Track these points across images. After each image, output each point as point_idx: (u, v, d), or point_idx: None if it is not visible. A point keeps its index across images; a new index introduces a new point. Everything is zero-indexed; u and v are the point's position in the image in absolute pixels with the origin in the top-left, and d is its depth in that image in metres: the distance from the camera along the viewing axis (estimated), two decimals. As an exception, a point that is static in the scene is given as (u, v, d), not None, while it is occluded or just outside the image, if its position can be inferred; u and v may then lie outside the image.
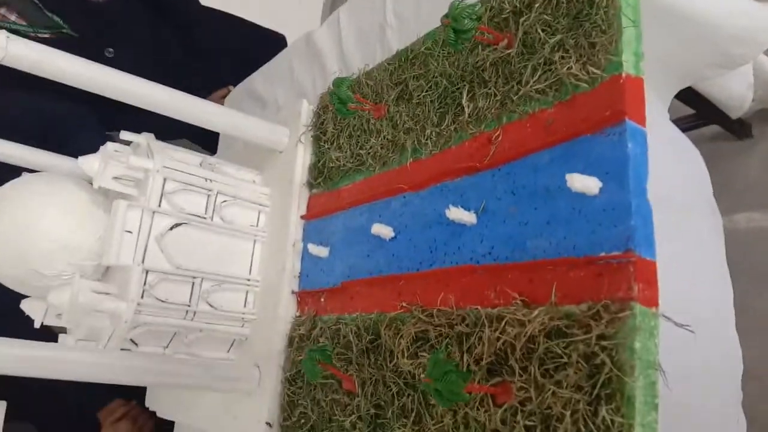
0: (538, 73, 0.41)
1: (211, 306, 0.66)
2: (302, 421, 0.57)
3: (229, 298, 0.68)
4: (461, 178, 0.47)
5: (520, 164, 0.42)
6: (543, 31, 0.42)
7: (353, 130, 0.62)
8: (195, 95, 0.67)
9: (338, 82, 0.62)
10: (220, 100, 1.16)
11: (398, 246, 0.52)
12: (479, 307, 0.41)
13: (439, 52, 0.52)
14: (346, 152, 0.62)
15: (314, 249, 0.62)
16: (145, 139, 0.68)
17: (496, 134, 0.44)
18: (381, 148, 0.57)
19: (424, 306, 0.47)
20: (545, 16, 0.42)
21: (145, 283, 0.62)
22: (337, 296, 0.58)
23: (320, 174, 0.66)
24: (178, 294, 0.64)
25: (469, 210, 0.45)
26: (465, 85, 0.48)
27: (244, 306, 0.69)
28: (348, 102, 0.61)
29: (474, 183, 0.45)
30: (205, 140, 1.10)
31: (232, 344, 0.69)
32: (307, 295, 0.64)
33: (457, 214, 0.44)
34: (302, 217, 0.68)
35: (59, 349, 0.55)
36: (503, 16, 0.46)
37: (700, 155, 0.71)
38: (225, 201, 0.69)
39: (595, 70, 0.37)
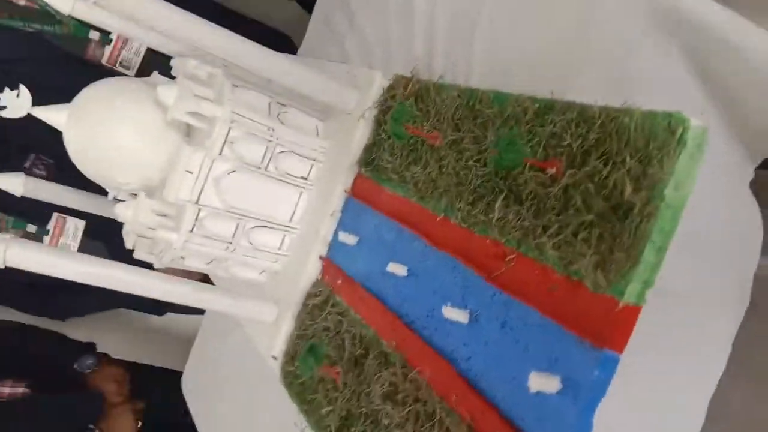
0: (560, 237, 0.42)
1: (250, 243, 0.75)
2: (298, 373, 0.69)
3: (268, 238, 0.76)
4: (472, 271, 0.50)
5: (516, 305, 0.45)
6: (581, 196, 0.41)
7: (407, 143, 0.63)
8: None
9: (398, 113, 0.62)
10: None
11: (407, 288, 0.57)
12: (441, 400, 0.48)
13: (499, 129, 0.51)
14: (395, 161, 0.64)
15: (344, 236, 0.68)
16: (221, 72, 0.71)
17: (511, 257, 0.46)
18: (423, 182, 0.59)
19: (405, 361, 0.53)
20: (589, 185, 0.41)
21: (196, 219, 0.70)
22: (350, 289, 0.65)
23: (371, 161, 0.69)
24: (223, 229, 0.73)
25: (465, 308, 0.49)
26: (504, 190, 0.48)
27: (279, 247, 0.77)
28: (404, 123, 0.61)
29: (478, 286, 0.48)
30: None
31: (262, 272, 0.79)
32: (330, 266, 0.71)
33: (451, 313, 0.48)
34: (346, 191, 0.72)
35: (105, 265, 0.65)
36: (561, 146, 0.44)
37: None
38: (283, 151, 0.73)
39: (601, 280, 0.38)
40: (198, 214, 0.70)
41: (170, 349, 1.48)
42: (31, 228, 1.08)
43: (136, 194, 0.73)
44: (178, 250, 0.70)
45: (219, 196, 0.71)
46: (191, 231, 0.70)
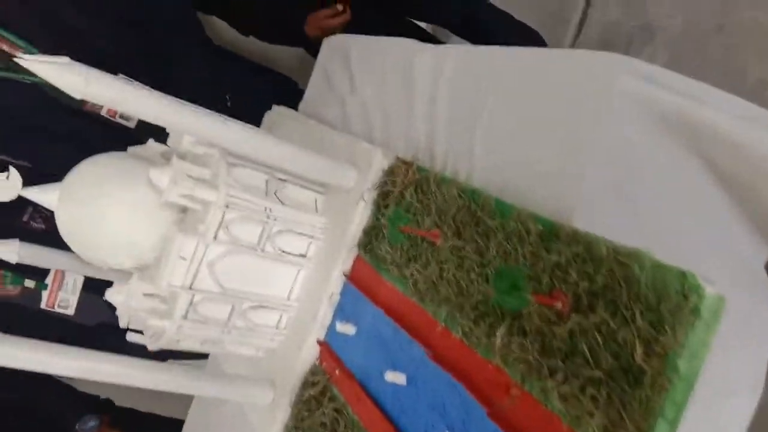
0: (567, 388, 0.39)
1: (246, 323, 0.73)
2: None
3: (265, 317, 0.74)
4: (474, 401, 0.47)
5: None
6: (588, 346, 0.39)
7: (403, 237, 0.61)
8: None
9: (396, 216, 0.60)
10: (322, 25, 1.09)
11: (406, 398, 0.55)
12: None
13: (501, 244, 0.49)
14: (395, 252, 0.62)
15: (342, 327, 0.65)
16: (218, 153, 0.68)
17: (515, 393, 0.44)
18: (423, 283, 0.57)
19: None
20: (597, 335, 0.38)
21: (190, 304, 0.68)
22: (348, 384, 0.63)
23: (371, 246, 0.66)
24: (218, 312, 0.71)
25: (465, 439, 0.46)
26: (507, 317, 0.46)
27: (276, 326, 0.75)
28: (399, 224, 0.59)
29: (480, 420, 0.46)
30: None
31: (259, 349, 0.77)
32: (328, 352, 0.69)
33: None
34: (345, 274, 0.70)
35: (92, 359, 0.63)
36: (567, 281, 0.42)
37: None
38: (280, 230, 0.71)
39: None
40: (192, 299, 0.68)
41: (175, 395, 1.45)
42: (29, 283, 1.06)
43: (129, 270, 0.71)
44: (172, 336, 0.68)
45: (214, 279, 0.69)
46: (185, 317, 0.68)
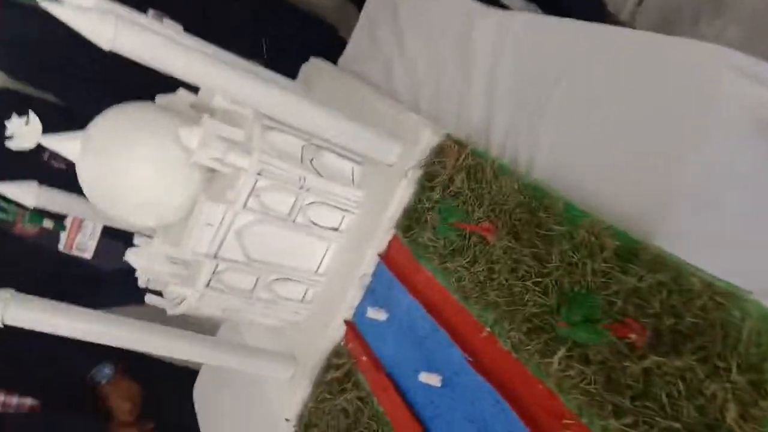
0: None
1: (271, 295, 0.69)
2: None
3: (290, 289, 0.70)
4: (521, 422, 0.43)
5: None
6: (667, 392, 0.34)
7: (452, 231, 0.55)
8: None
9: (447, 212, 0.54)
10: None
11: (440, 401, 0.51)
12: None
13: (565, 253, 0.43)
14: (438, 242, 0.57)
15: (373, 312, 0.61)
16: (252, 114, 0.63)
17: (570, 425, 0.40)
18: (468, 280, 0.52)
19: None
20: (679, 382, 0.34)
21: (214, 272, 0.64)
22: (375, 374, 0.60)
23: (411, 230, 0.62)
24: (243, 282, 0.67)
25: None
26: (568, 341, 0.41)
27: (302, 299, 0.71)
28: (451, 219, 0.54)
29: (525, 442, 0.42)
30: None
31: (282, 321, 0.74)
32: (355, 335, 0.65)
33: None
34: (379, 255, 0.65)
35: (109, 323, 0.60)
36: (646, 312, 0.37)
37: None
38: (313, 202, 0.66)
39: None
40: (216, 268, 0.64)
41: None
42: (48, 223, 1.03)
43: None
44: (193, 303, 0.65)
45: (240, 248, 0.65)
46: (207, 286, 0.64)
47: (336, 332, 0.68)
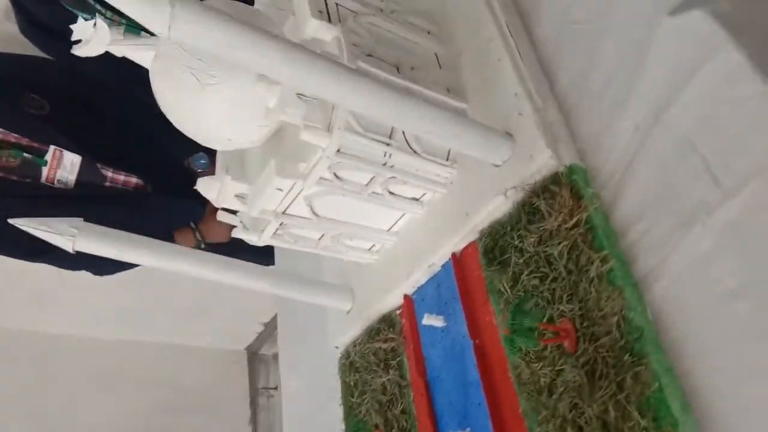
0: None
1: (338, 245, 0.66)
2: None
3: (359, 243, 0.67)
4: None
5: None
6: None
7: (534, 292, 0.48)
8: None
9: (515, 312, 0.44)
10: None
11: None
12: None
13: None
14: (512, 303, 0.50)
15: (429, 319, 0.58)
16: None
17: None
18: (529, 371, 0.47)
19: None
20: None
21: (280, 225, 0.61)
22: (416, 375, 0.60)
23: (492, 258, 0.54)
24: (310, 234, 0.64)
25: None
26: None
27: (370, 249, 0.68)
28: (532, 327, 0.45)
29: None
30: None
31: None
32: (410, 314, 0.63)
33: None
34: (454, 254, 0.59)
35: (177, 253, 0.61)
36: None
37: None
38: (394, 178, 0.58)
39: None
40: (283, 223, 0.61)
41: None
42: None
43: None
44: (258, 243, 0.63)
45: (308, 208, 0.60)
46: (274, 235, 0.62)
47: (394, 299, 0.66)
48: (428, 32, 0.67)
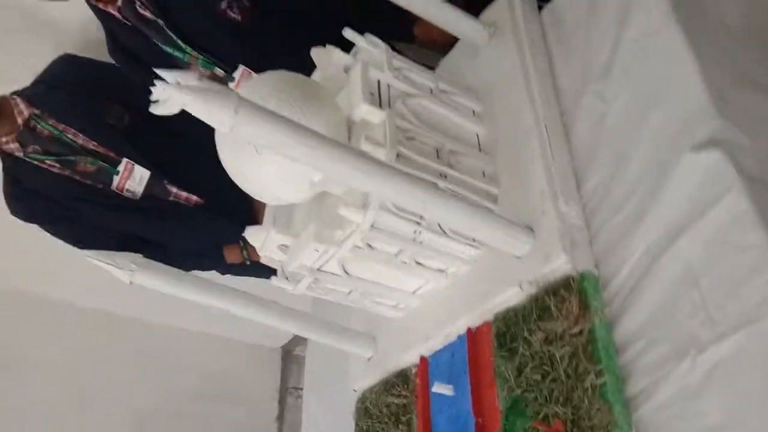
0: None
1: (367, 299, 0.71)
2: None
3: (385, 300, 0.71)
4: None
5: None
6: None
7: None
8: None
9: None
10: None
11: None
12: None
13: None
14: (515, 392, 0.54)
15: (439, 387, 0.62)
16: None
17: None
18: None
19: None
20: None
21: (314, 280, 0.66)
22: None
23: (502, 343, 0.57)
24: (342, 286, 0.69)
25: None
26: None
27: (395, 306, 0.73)
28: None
29: None
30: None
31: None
32: (424, 374, 0.67)
33: None
34: (470, 329, 0.63)
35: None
36: None
37: None
38: (422, 251, 0.62)
39: None
40: (316, 277, 0.66)
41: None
42: (219, 72, 1.06)
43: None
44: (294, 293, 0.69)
45: (341, 268, 0.65)
46: (309, 288, 0.68)
47: (411, 357, 0.70)
48: (474, 112, 0.71)
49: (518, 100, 0.67)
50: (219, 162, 1.19)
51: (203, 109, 0.44)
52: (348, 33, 0.69)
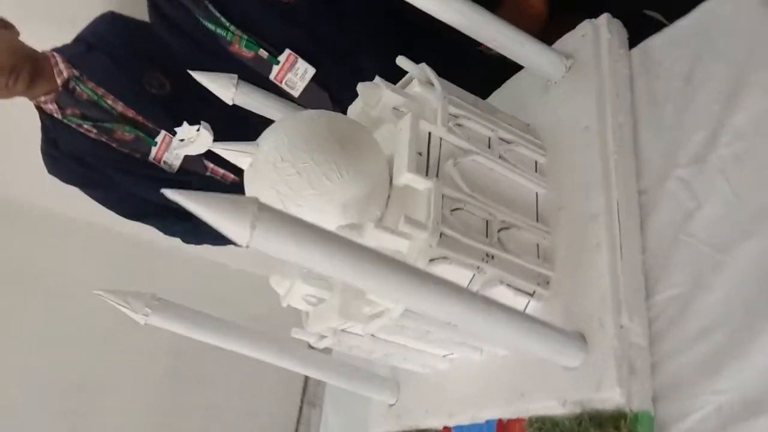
0: None
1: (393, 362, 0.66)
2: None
3: (413, 363, 0.66)
4: None
5: None
6: None
7: None
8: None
9: None
10: None
11: None
12: None
13: None
14: None
15: None
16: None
17: None
18: None
19: None
20: None
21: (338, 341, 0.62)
22: None
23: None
24: (365, 350, 0.64)
25: None
26: None
27: (422, 366, 0.67)
28: None
29: None
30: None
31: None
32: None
33: None
34: (500, 422, 0.57)
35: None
36: None
37: None
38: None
39: None
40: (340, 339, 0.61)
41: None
42: (263, 53, 0.97)
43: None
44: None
45: (371, 337, 0.60)
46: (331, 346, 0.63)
47: (434, 422, 0.66)
48: (536, 164, 0.63)
49: (590, 159, 0.58)
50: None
51: (217, 223, 0.37)
52: (402, 61, 0.61)
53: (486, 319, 0.46)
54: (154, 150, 1.13)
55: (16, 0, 1.20)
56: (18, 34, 1.08)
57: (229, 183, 1.18)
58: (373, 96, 0.59)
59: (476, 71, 0.80)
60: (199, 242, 1.31)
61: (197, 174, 1.16)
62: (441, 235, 0.51)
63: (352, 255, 0.40)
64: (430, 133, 0.57)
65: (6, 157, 1.51)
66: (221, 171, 1.18)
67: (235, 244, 0.40)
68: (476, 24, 0.59)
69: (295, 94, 1.01)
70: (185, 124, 0.56)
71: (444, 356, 0.65)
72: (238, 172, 1.18)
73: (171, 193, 0.36)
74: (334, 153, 0.54)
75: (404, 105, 0.58)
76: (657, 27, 0.63)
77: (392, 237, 0.50)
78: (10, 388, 1.72)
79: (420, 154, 0.55)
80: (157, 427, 2.01)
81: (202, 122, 0.56)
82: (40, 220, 1.90)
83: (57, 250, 1.94)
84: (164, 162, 1.14)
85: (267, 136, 0.57)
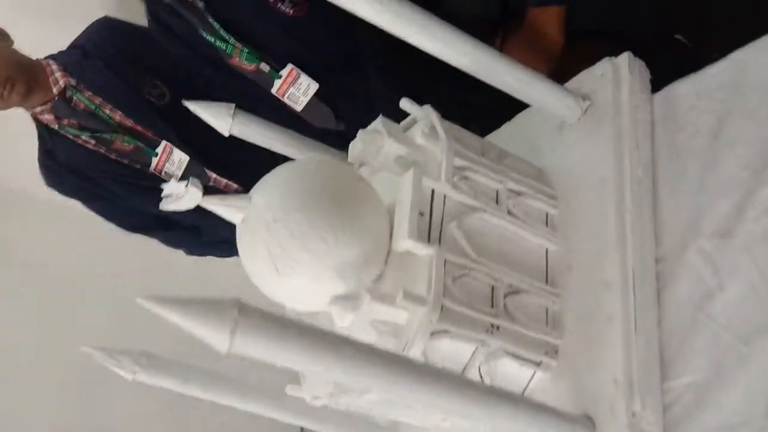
0: None
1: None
2: None
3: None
4: None
5: None
6: None
7: None
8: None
9: None
10: None
11: None
12: None
13: None
14: None
15: None
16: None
17: None
18: None
19: None
20: None
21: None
22: None
23: None
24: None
25: None
26: None
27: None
28: None
29: None
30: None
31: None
32: None
33: None
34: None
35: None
36: None
37: None
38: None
39: None
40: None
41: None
42: (264, 67, 0.92)
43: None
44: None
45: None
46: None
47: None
48: (547, 216, 0.59)
49: (605, 218, 0.54)
50: (261, 149, 1.09)
51: (196, 330, 0.34)
52: (405, 104, 0.57)
53: (486, 411, 0.43)
54: (154, 161, 1.10)
55: (9, 1, 1.17)
56: (12, 43, 1.04)
57: (232, 193, 1.15)
58: (374, 144, 0.55)
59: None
60: (202, 254, 1.29)
61: (200, 184, 1.13)
62: (442, 308, 0.48)
63: (341, 353, 0.37)
64: (433, 190, 0.53)
65: (7, 148, 1.48)
66: (224, 181, 1.15)
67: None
68: (483, 66, 0.55)
69: (298, 109, 0.97)
70: (172, 180, 0.53)
71: (443, 419, 0.62)
72: (242, 182, 1.16)
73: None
74: (330, 212, 0.51)
75: (407, 155, 0.54)
76: (687, 54, 0.58)
77: (390, 309, 0.47)
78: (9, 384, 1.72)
79: (422, 213, 0.51)
80: (162, 420, 2.03)
81: (190, 177, 0.52)
82: (43, 210, 1.88)
83: (61, 241, 1.93)
84: (165, 173, 1.11)
85: (259, 189, 0.54)
